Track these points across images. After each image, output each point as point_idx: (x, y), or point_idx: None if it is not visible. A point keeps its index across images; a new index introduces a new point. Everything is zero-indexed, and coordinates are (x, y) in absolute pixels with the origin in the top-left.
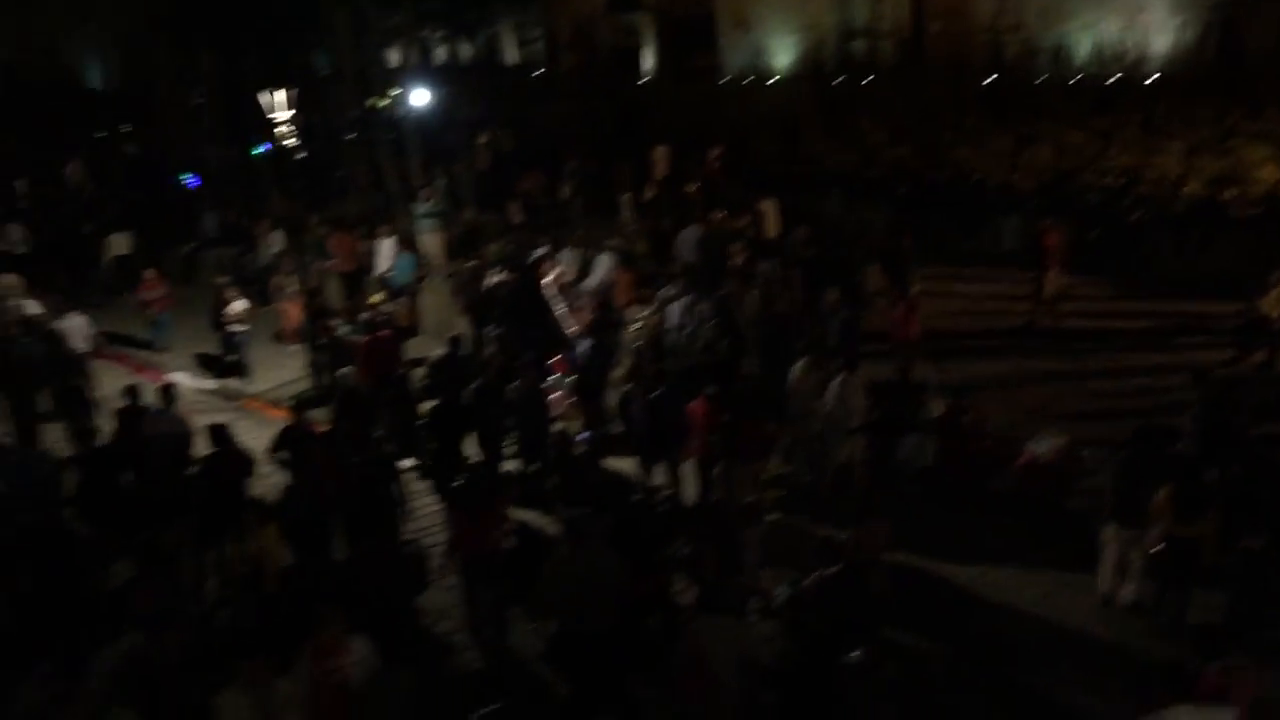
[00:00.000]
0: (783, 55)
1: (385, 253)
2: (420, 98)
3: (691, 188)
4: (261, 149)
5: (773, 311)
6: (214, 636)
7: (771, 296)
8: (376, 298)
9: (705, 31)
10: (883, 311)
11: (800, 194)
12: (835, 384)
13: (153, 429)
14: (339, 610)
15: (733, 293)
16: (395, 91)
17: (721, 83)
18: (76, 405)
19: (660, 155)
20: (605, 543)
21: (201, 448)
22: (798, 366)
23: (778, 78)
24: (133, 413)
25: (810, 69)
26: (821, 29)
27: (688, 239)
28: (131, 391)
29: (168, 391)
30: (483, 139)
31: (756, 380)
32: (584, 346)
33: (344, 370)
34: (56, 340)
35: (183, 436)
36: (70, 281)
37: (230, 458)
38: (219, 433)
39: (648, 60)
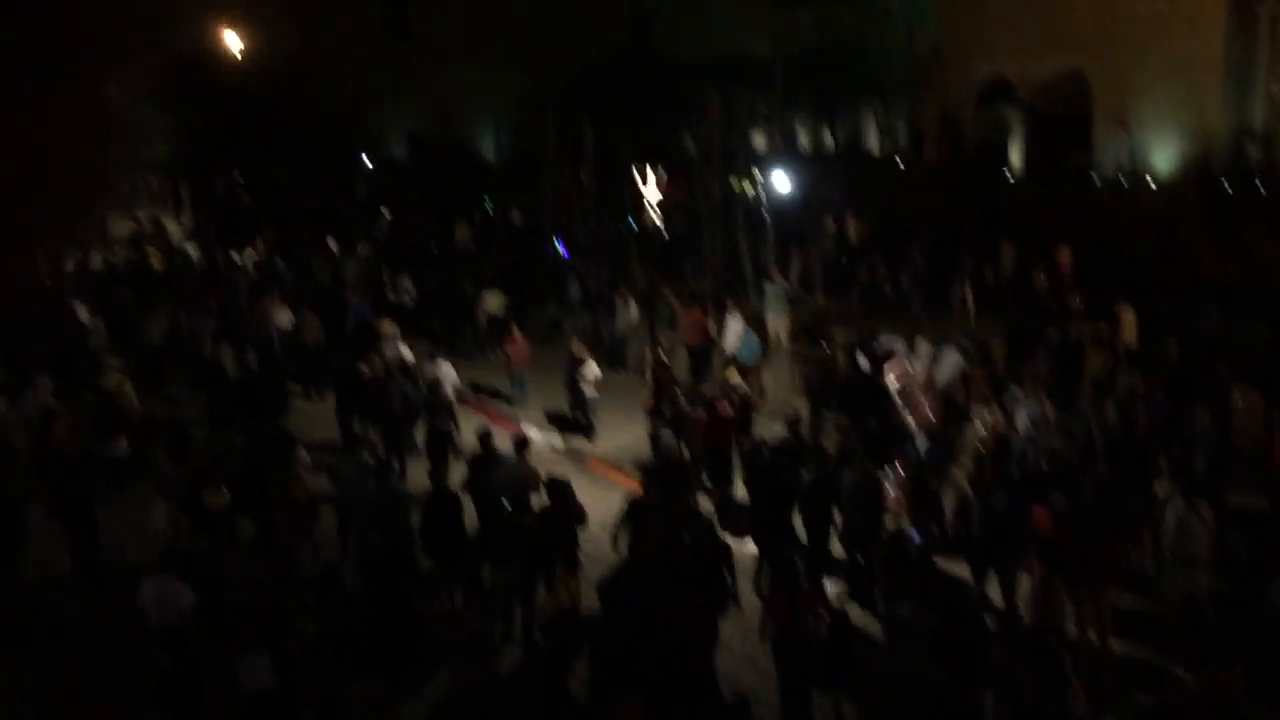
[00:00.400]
0: (1164, 157)
1: (732, 330)
2: (781, 182)
3: (1040, 284)
4: (560, 247)
5: (1131, 427)
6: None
7: (1132, 410)
8: (732, 373)
9: (1079, 128)
10: (1256, 436)
11: (1172, 304)
12: (1175, 510)
13: (501, 476)
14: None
15: (1088, 402)
16: (758, 178)
17: (1094, 182)
18: (441, 446)
19: (1006, 252)
20: (925, 645)
21: (542, 498)
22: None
23: (1156, 180)
24: (485, 459)
25: (1195, 172)
26: (1211, 131)
27: (1046, 341)
28: (486, 438)
29: (520, 444)
30: (829, 226)
31: (1106, 498)
32: (923, 442)
33: (665, 435)
34: (432, 384)
35: (526, 486)
36: (446, 333)
37: (566, 511)
38: (558, 487)
39: (1015, 155)
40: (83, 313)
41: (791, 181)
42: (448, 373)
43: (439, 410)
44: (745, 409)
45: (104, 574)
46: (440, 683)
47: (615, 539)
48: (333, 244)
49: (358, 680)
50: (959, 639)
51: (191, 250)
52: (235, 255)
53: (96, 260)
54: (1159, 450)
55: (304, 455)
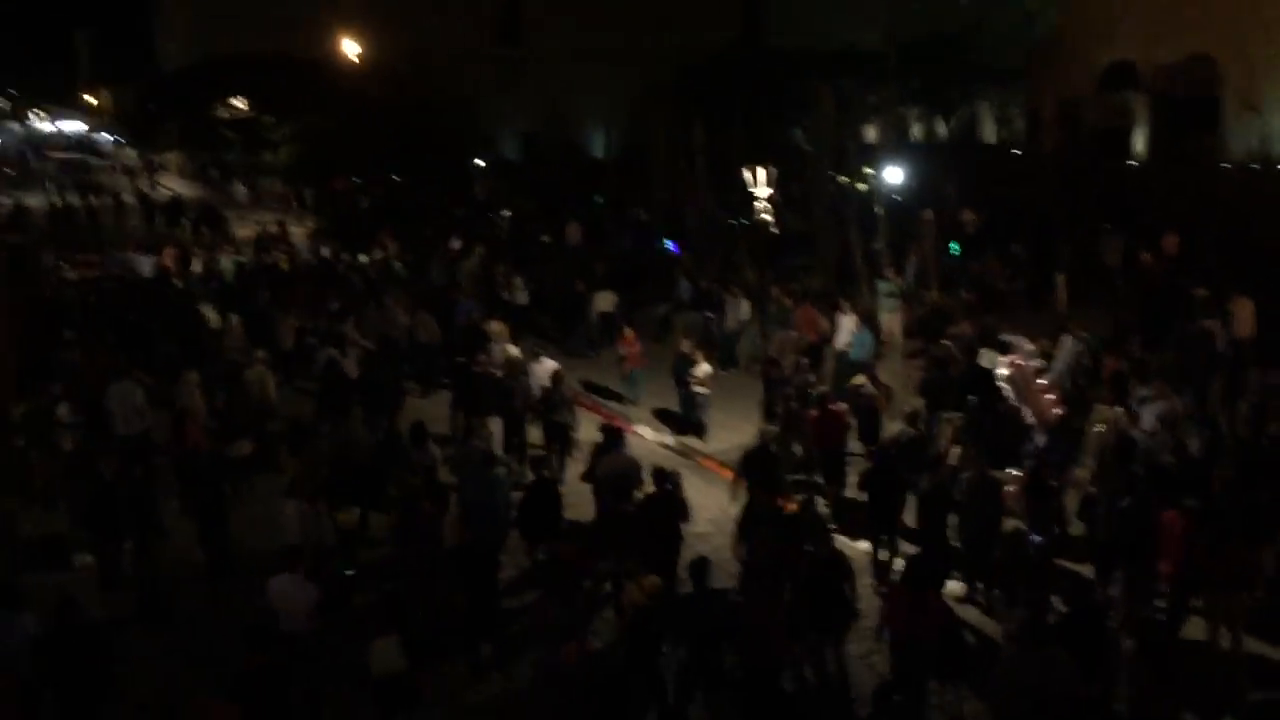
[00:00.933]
0: None
1: (845, 328)
2: (894, 175)
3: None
4: (670, 245)
5: (1263, 425)
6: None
7: (1266, 411)
8: (860, 379)
9: (1207, 113)
10: None
11: None
12: None
13: (606, 468)
14: None
15: (1218, 400)
16: (870, 172)
17: (1222, 168)
18: (561, 440)
19: (1112, 241)
20: (1056, 644)
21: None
22: None
23: None
24: (600, 451)
25: None
26: None
27: (1181, 334)
28: (608, 431)
29: (619, 435)
30: (928, 217)
31: (1240, 500)
32: (1042, 439)
33: (768, 428)
34: (554, 379)
35: (630, 477)
36: (559, 332)
37: (668, 502)
38: (662, 476)
39: (1139, 141)
40: (210, 314)
41: (905, 174)
42: (548, 368)
43: (557, 404)
44: (873, 412)
45: (235, 569)
46: (520, 670)
47: (735, 544)
48: (456, 243)
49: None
50: (1085, 639)
51: (312, 253)
52: (354, 257)
53: (226, 263)
54: None
55: (434, 449)
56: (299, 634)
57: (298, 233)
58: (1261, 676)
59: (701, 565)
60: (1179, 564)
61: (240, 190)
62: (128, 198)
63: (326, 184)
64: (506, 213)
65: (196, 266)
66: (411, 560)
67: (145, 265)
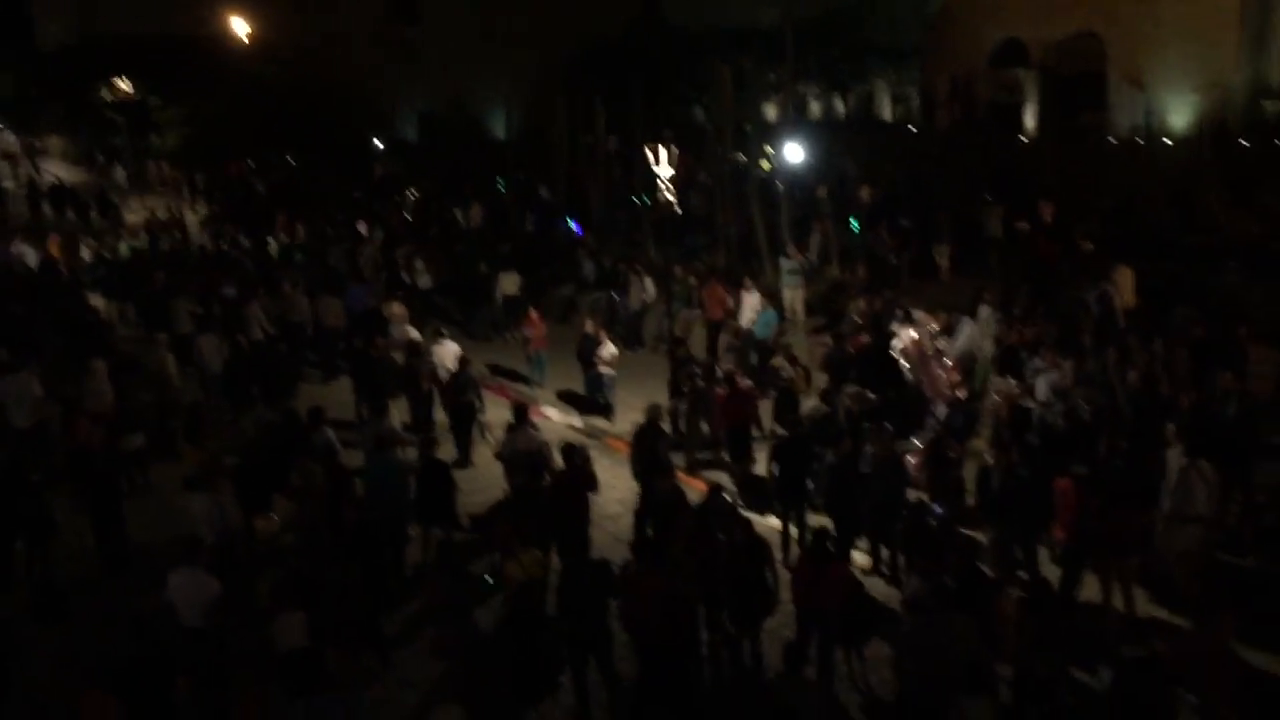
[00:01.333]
0: (1180, 115)
1: (749, 306)
2: (794, 153)
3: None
4: (573, 226)
5: (1154, 391)
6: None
7: (1155, 376)
8: (778, 360)
9: (1094, 89)
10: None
11: (1192, 265)
12: (1177, 470)
13: (515, 446)
14: None
15: (1111, 367)
16: (770, 151)
17: (1110, 142)
18: (468, 421)
19: (993, 213)
20: (953, 610)
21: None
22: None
23: (1172, 139)
24: (509, 429)
25: (1212, 130)
26: (1227, 88)
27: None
28: (517, 409)
29: (524, 414)
30: (822, 194)
31: (1128, 465)
32: (942, 411)
33: (655, 405)
34: (460, 361)
35: (540, 454)
36: (463, 316)
37: (577, 477)
38: (570, 451)
39: (1029, 118)
40: (99, 303)
41: (805, 152)
42: (450, 350)
43: (463, 386)
44: (790, 393)
45: (131, 565)
46: (417, 648)
47: (641, 527)
48: (362, 226)
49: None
50: (974, 599)
51: (208, 238)
52: (250, 242)
53: (123, 248)
54: (1173, 414)
55: (329, 433)
56: (199, 629)
57: (190, 218)
58: (1150, 632)
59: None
60: (1071, 530)
61: (120, 174)
62: (9, 183)
63: (219, 168)
64: (414, 193)
65: (85, 254)
66: (313, 542)
67: (30, 255)
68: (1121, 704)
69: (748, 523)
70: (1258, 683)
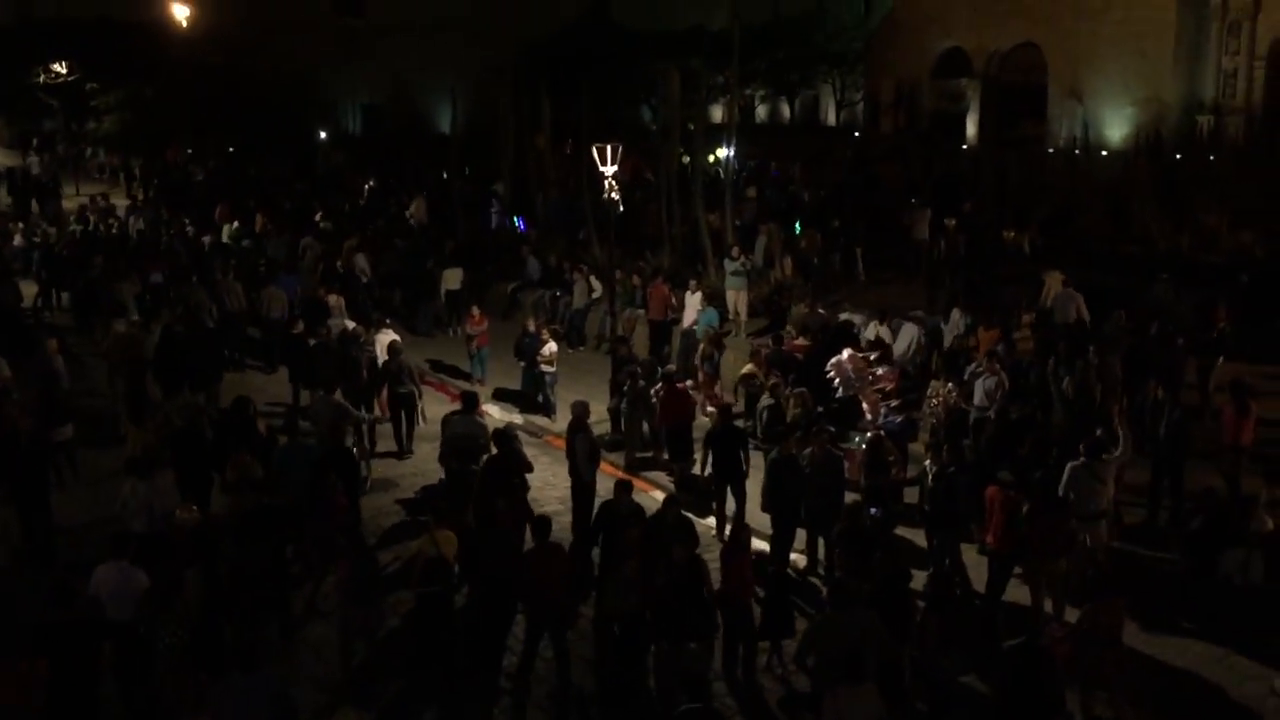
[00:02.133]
0: (1117, 128)
1: (692, 306)
2: (736, 156)
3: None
4: (520, 225)
5: (1087, 399)
6: None
7: (1088, 384)
8: (749, 367)
9: (1035, 99)
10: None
11: (1125, 275)
12: (1069, 469)
13: (453, 430)
14: None
15: (1049, 374)
16: (718, 150)
17: (1048, 153)
18: (407, 409)
19: (919, 217)
20: (867, 607)
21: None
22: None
23: (1109, 150)
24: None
25: (1147, 143)
26: (1162, 102)
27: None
28: (465, 396)
29: (469, 402)
30: (751, 194)
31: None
32: (884, 418)
33: (580, 401)
34: (392, 350)
35: (476, 438)
36: (407, 310)
37: (509, 459)
38: (502, 436)
39: (971, 126)
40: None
41: (750, 155)
42: (386, 339)
43: (399, 375)
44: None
45: (57, 557)
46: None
47: (594, 538)
48: (323, 222)
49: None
50: (890, 603)
51: (146, 224)
52: (187, 230)
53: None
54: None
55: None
56: (126, 623)
57: (120, 205)
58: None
59: (544, 522)
60: (999, 535)
61: (34, 161)
62: None
63: (157, 154)
64: (371, 184)
65: (18, 240)
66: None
67: None
68: (1006, 692)
69: (695, 539)
70: (1161, 676)
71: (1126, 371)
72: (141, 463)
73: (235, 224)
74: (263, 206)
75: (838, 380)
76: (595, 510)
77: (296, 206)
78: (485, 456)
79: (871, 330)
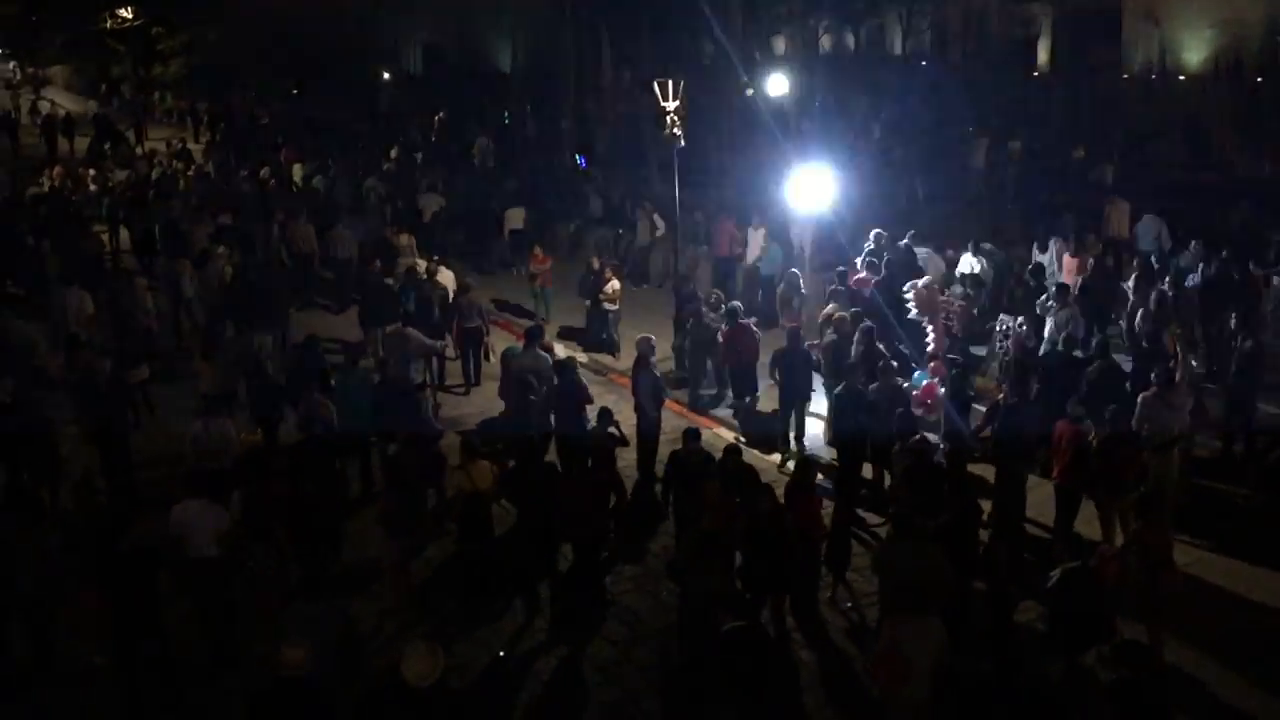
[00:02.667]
0: (1195, 51)
1: (755, 242)
2: (778, 86)
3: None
4: (582, 162)
5: (1155, 333)
6: None
7: (1164, 318)
8: (831, 307)
9: (1109, 24)
10: None
11: (1203, 203)
12: (1140, 399)
13: (519, 364)
14: None
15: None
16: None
17: (1124, 78)
18: (474, 345)
19: (979, 146)
20: (933, 540)
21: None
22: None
23: (1187, 76)
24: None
25: (1226, 67)
26: (1244, 24)
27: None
28: (528, 332)
29: (531, 336)
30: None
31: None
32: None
33: (645, 337)
34: (461, 288)
35: (541, 372)
36: (473, 249)
37: (573, 391)
38: (563, 368)
39: (1043, 53)
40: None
41: (794, 86)
42: (449, 276)
43: (469, 310)
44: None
45: (138, 497)
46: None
47: (663, 494)
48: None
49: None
50: (959, 537)
51: (215, 168)
52: (255, 172)
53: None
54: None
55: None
56: (209, 559)
57: (194, 149)
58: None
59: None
60: (1065, 469)
61: (92, 105)
62: (15, 115)
63: (223, 98)
64: (441, 117)
65: (91, 186)
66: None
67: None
68: (1056, 614)
69: (770, 493)
70: (1233, 610)
71: (1203, 303)
72: (214, 399)
73: (301, 165)
74: (327, 148)
75: (914, 306)
76: (664, 456)
77: (362, 147)
78: (545, 388)
79: (966, 263)
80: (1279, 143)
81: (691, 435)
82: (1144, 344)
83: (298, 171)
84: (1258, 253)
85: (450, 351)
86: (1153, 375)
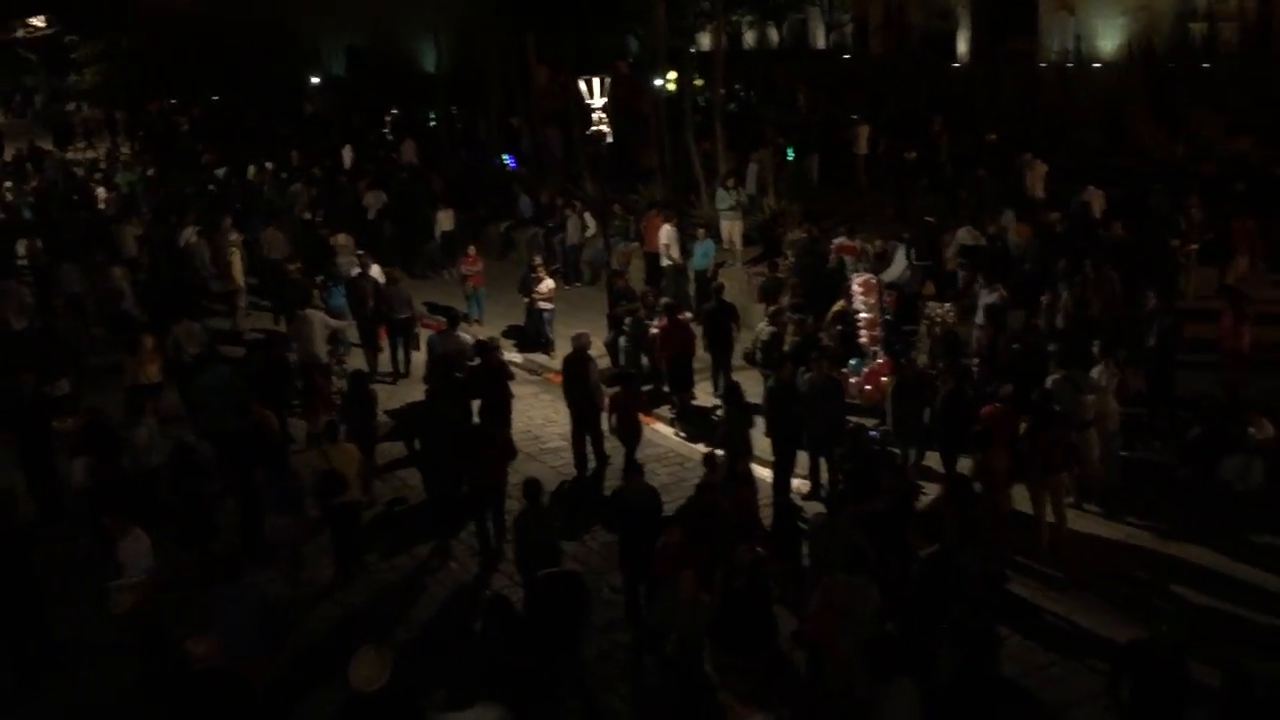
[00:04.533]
0: (1109, 39)
1: (665, 236)
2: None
3: (910, 155)
4: (510, 162)
5: (1085, 314)
6: None
7: (1085, 297)
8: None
9: (1025, 13)
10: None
11: (1123, 187)
12: (1050, 381)
13: (443, 347)
14: None
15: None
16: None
17: (1042, 67)
18: (405, 335)
19: (861, 132)
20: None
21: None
22: (1096, 369)
23: (1102, 62)
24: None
25: (1140, 53)
26: (1155, 11)
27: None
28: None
29: (452, 323)
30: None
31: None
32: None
33: (582, 334)
34: (390, 279)
35: (463, 353)
36: (403, 253)
37: (494, 367)
38: (483, 347)
39: (961, 44)
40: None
41: (740, 81)
42: (377, 271)
43: (396, 301)
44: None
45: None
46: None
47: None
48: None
49: None
50: (901, 519)
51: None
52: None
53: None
54: (1106, 334)
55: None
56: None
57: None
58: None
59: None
60: (997, 451)
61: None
62: None
63: (140, 106)
64: (392, 114)
65: (8, 195)
66: None
67: None
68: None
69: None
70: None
71: (1125, 283)
72: (139, 391)
73: (224, 169)
74: (254, 152)
75: (860, 298)
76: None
77: (288, 151)
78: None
79: (877, 247)
80: (1193, 127)
81: (633, 469)
82: (1064, 324)
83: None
84: (1174, 232)
85: (354, 335)
86: (1062, 359)
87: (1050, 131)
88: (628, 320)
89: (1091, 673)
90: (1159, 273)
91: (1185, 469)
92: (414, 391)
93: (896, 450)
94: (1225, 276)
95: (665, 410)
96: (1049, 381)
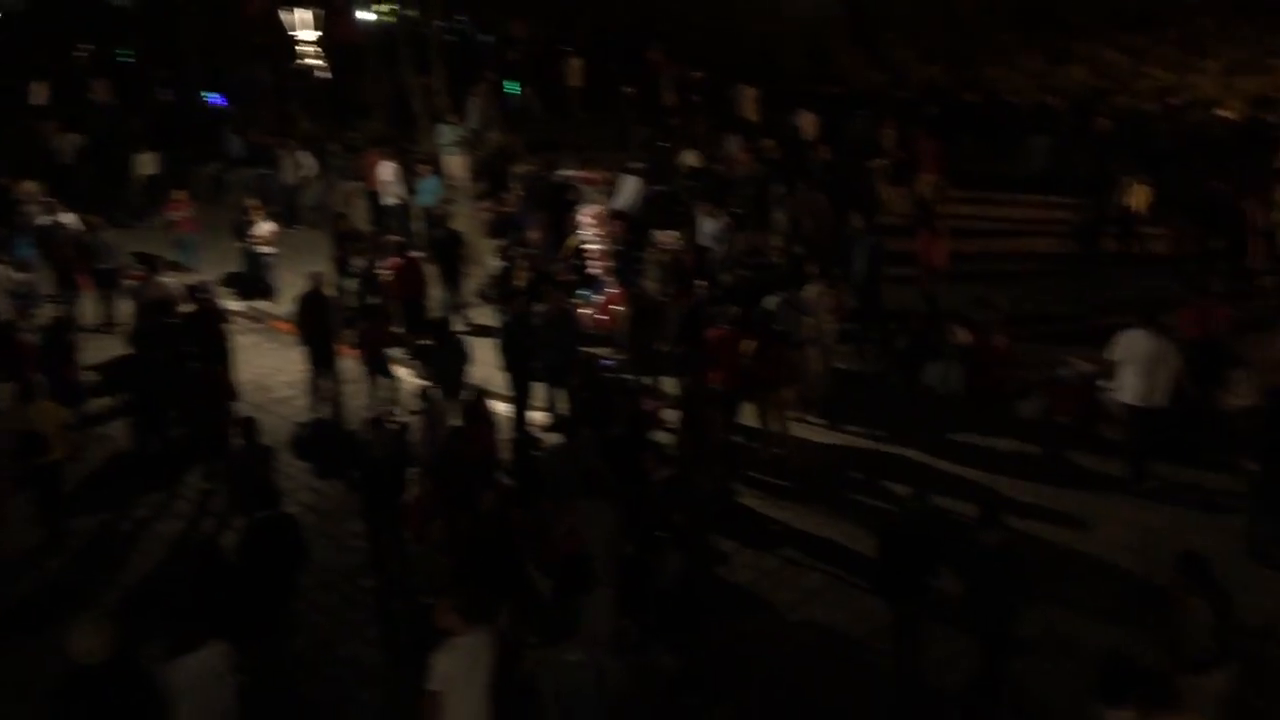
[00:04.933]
0: None
1: (385, 173)
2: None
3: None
4: (213, 99)
5: (800, 235)
6: None
7: (799, 216)
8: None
9: None
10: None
11: (828, 113)
12: (773, 303)
13: (146, 295)
14: None
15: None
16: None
17: None
18: (108, 283)
19: (573, 65)
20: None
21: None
22: (811, 289)
23: None
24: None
25: None
26: None
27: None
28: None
29: (152, 269)
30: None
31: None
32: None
33: (317, 272)
34: (91, 226)
35: (170, 301)
36: (101, 198)
37: (209, 313)
38: (195, 289)
39: None
40: None
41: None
42: (70, 219)
43: (100, 250)
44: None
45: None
46: None
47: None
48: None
49: None
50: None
51: None
52: None
53: None
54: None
55: None
56: None
57: None
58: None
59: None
60: (728, 372)
61: None
62: None
63: None
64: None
65: None
66: None
67: None
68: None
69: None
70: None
71: (833, 204)
72: None
73: None
74: None
75: (589, 229)
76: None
77: None
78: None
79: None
80: (889, 54)
81: (377, 424)
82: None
83: None
84: (873, 155)
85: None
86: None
87: (760, 57)
88: (356, 262)
89: (818, 571)
90: (862, 194)
91: (894, 376)
92: (121, 344)
93: (630, 377)
94: (913, 194)
95: (401, 351)
96: (771, 303)
